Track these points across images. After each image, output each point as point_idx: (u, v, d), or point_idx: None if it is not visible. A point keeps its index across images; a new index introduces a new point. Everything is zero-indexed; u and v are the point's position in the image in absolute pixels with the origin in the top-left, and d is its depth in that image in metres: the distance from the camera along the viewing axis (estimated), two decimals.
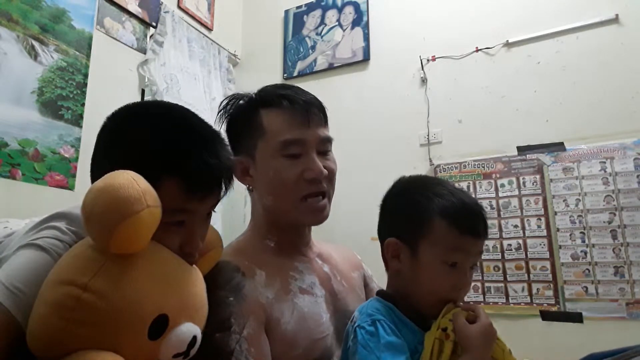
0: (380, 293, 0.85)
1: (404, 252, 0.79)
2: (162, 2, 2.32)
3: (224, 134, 0.74)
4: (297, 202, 0.82)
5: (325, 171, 0.82)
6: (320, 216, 0.85)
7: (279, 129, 0.83)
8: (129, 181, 0.53)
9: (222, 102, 0.91)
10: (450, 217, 0.76)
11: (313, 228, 0.93)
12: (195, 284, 0.63)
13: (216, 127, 0.87)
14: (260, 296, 0.76)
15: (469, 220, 0.77)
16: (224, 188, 0.69)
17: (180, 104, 2.41)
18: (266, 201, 0.86)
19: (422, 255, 0.77)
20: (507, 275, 2.01)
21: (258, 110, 0.85)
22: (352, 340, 0.75)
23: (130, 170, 0.56)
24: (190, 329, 0.58)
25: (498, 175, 2.11)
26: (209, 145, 0.67)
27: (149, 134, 0.64)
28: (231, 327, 0.70)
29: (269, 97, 0.86)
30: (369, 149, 2.41)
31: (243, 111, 0.88)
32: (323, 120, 0.87)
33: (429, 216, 0.77)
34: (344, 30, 2.66)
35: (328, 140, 0.87)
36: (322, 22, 2.75)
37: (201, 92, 2.48)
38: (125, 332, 0.53)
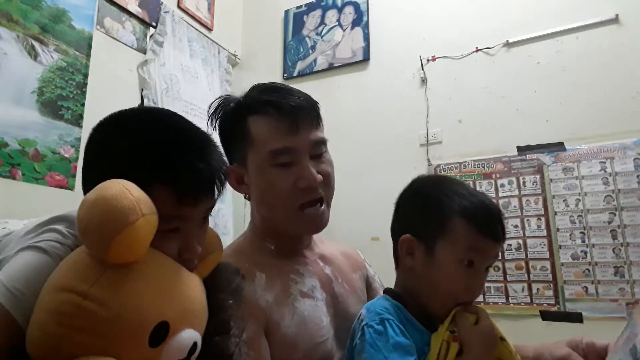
0: (388, 291, 0.84)
1: (419, 249, 0.79)
2: (162, 2, 2.32)
3: (215, 137, 0.73)
4: (294, 212, 0.80)
5: (319, 177, 0.79)
6: (319, 225, 0.83)
7: (266, 138, 0.79)
8: (121, 191, 0.53)
9: (210, 106, 0.88)
10: (471, 216, 0.75)
11: None
12: (195, 290, 0.63)
13: (209, 131, 0.85)
14: (260, 299, 0.75)
15: (488, 221, 0.76)
16: (216, 191, 0.68)
17: (181, 104, 2.39)
18: (263, 212, 0.85)
19: (438, 253, 0.76)
20: (507, 275, 2.01)
21: (245, 117, 0.82)
22: (359, 338, 0.74)
23: (122, 179, 0.55)
24: (190, 335, 0.58)
25: (498, 175, 2.11)
26: (198, 149, 0.66)
27: (135, 142, 0.63)
28: (230, 330, 0.70)
29: (255, 103, 0.82)
30: (369, 149, 2.41)
31: (231, 118, 0.85)
32: (315, 122, 0.83)
33: (448, 214, 0.76)
34: (344, 30, 2.66)
35: (321, 142, 0.83)
36: (322, 22, 2.75)
37: (205, 90, 2.48)
38: (126, 340, 0.53)
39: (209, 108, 0.88)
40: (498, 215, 0.78)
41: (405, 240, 0.80)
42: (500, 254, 2.01)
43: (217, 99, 0.89)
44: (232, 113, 0.85)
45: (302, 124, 0.80)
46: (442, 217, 0.77)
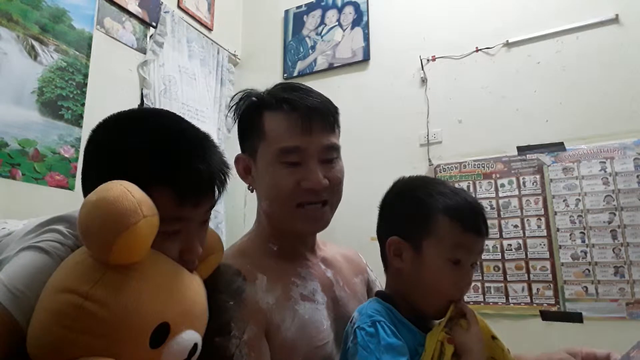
0: (379, 294, 0.84)
1: (406, 250, 0.79)
2: (162, 2, 2.32)
3: (213, 137, 0.73)
4: (293, 210, 0.80)
5: (325, 181, 0.79)
6: (317, 224, 0.83)
7: (278, 135, 0.80)
8: (122, 192, 0.53)
9: (233, 97, 0.88)
10: (454, 214, 0.77)
11: None
12: (196, 291, 0.63)
13: (228, 122, 0.85)
14: (260, 301, 0.75)
15: (472, 218, 0.78)
16: (217, 192, 0.68)
17: (178, 105, 2.39)
18: (264, 206, 0.86)
19: (425, 253, 0.77)
20: (507, 275, 2.01)
21: (262, 112, 0.83)
22: (351, 341, 0.75)
23: (123, 180, 0.55)
24: (191, 337, 0.58)
25: (498, 175, 2.11)
26: (197, 150, 0.65)
27: (135, 144, 0.63)
28: (231, 332, 0.70)
29: (273, 99, 0.83)
30: (369, 149, 2.40)
31: (249, 110, 0.86)
32: (329, 126, 0.82)
33: (432, 214, 0.77)
34: (344, 30, 2.66)
35: (333, 148, 0.83)
36: (322, 22, 2.75)
37: (203, 91, 2.48)
38: (127, 341, 0.53)
39: (231, 100, 0.89)
40: (480, 211, 0.80)
41: (392, 242, 0.80)
42: (500, 253, 2.03)
43: (240, 92, 0.89)
44: (250, 106, 0.86)
45: (315, 126, 0.80)
46: (427, 216, 0.78)
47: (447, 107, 2.28)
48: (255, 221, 0.92)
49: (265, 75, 2.75)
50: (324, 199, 0.81)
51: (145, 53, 2.20)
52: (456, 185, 2.09)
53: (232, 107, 0.88)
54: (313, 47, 2.74)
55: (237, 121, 0.88)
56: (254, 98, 0.86)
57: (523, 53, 2.17)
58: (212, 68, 2.64)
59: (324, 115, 0.82)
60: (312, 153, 0.79)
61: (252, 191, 0.88)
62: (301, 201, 0.80)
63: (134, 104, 2.11)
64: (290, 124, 0.79)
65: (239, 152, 0.90)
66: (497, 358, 0.79)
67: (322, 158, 0.81)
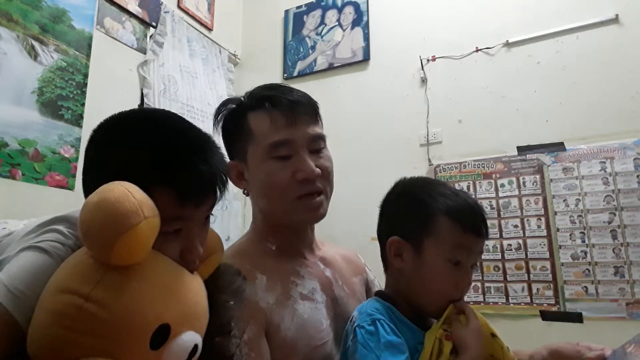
0: (379, 293, 0.85)
1: (407, 250, 0.80)
2: (162, 2, 2.32)
3: (216, 137, 0.73)
4: (292, 202, 0.81)
5: (317, 170, 0.81)
6: (315, 214, 0.83)
7: (265, 132, 0.82)
8: (124, 194, 0.53)
9: (216, 109, 0.90)
10: (455, 215, 0.78)
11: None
12: (197, 292, 0.63)
13: (212, 132, 0.87)
14: (260, 301, 0.76)
15: (472, 219, 0.79)
16: (218, 192, 0.68)
17: (177, 105, 2.38)
18: (261, 204, 0.87)
19: (425, 253, 0.78)
20: (507, 275, 2.01)
21: (246, 114, 0.85)
22: (351, 340, 0.75)
23: (124, 181, 0.55)
24: (191, 338, 0.58)
25: (498, 175, 2.11)
26: (199, 150, 0.66)
27: (135, 144, 0.63)
28: (231, 332, 0.70)
29: (255, 100, 0.85)
30: (369, 149, 2.41)
31: (233, 116, 0.88)
32: (313, 117, 0.85)
33: (433, 214, 0.78)
34: (344, 30, 2.66)
35: (320, 138, 0.85)
36: (322, 22, 2.75)
37: (205, 90, 2.47)
38: (127, 342, 0.53)
39: (215, 111, 0.91)
40: (480, 212, 0.81)
41: (393, 242, 0.81)
42: (500, 253, 2.03)
43: (220, 103, 0.91)
44: (233, 111, 0.88)
45: (300, 117, 0.82)
46: (427, 216, 0.79)
47: (447, 107, 2.28)
48: (252, 223, 0.93)
49: (265, 75, 2.75)
50: (319, 189, 0.83)
51: (145, 53, 2.20)
52: (456, 185, 2.10)
53: (214, 117, 0.90)
54: (313, 47, 2.74)
55: (221, 129, 0.90)
56: (232, 105, 0.88)
57: (523, 53, 2.17)
58: (217, 67, 2.63)
59: (307, 107, 0.85)
60: (301, 144, 0.81)
61: (247, 195, 0.89)
62: (299, 194, 0.81)
63: (134, 104, 2.11)
64: (276, 118, 0.82)
65: None
66: (497, 355, 0.79)
67: (310, 148, 0.83)
